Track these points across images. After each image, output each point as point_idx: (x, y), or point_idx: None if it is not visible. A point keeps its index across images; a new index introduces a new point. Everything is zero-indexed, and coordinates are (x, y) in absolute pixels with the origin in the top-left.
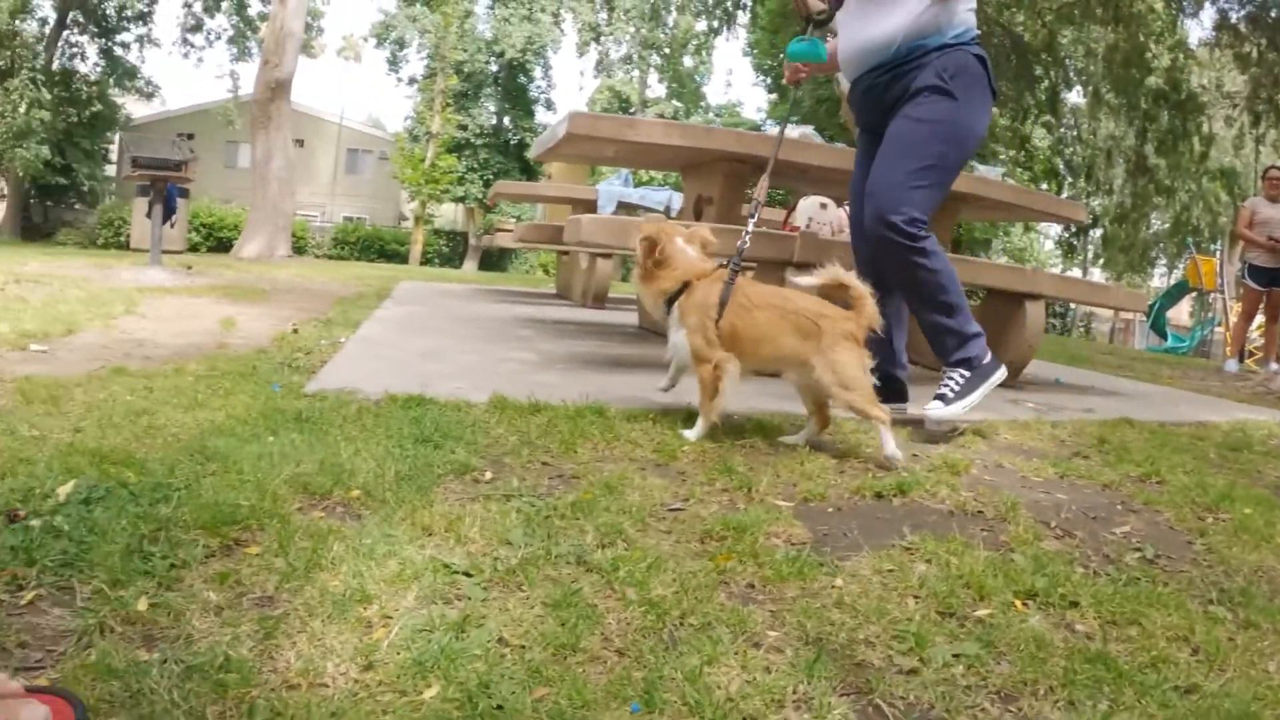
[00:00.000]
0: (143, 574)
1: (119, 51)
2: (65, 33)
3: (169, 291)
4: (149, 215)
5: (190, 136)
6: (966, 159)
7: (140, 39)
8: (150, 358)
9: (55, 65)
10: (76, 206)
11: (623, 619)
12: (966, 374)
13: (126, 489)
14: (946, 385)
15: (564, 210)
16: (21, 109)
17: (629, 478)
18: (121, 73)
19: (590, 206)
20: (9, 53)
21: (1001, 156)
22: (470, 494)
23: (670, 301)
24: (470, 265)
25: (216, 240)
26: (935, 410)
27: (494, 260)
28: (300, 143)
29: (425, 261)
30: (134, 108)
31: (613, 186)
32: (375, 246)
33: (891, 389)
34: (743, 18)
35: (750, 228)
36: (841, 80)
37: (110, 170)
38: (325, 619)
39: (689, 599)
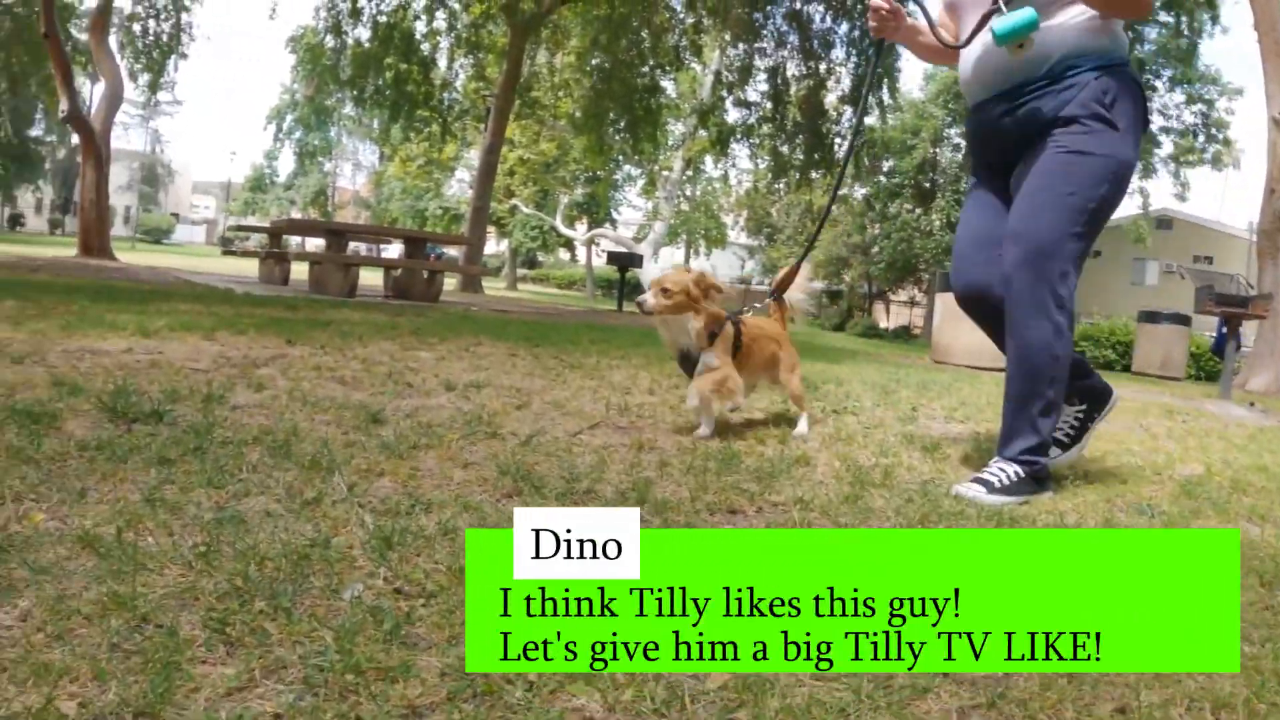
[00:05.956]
0: None
1: None
2: None
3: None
4: (1219, 351)
5: (1098, 254)
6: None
7: None
8: None
9: None
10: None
11: None
12: (1021, 475)
13: None
14: (994, 474)
15: None
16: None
17: None
18: None
19: None
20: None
21: None
22: None
23: None
24: None
25: None
26: (975, 492)
27: None
28: (1210, 259)
29: None
30: None
31: None
32: None
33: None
34: None
35: None
36: None
37: None
38: None
39: None
